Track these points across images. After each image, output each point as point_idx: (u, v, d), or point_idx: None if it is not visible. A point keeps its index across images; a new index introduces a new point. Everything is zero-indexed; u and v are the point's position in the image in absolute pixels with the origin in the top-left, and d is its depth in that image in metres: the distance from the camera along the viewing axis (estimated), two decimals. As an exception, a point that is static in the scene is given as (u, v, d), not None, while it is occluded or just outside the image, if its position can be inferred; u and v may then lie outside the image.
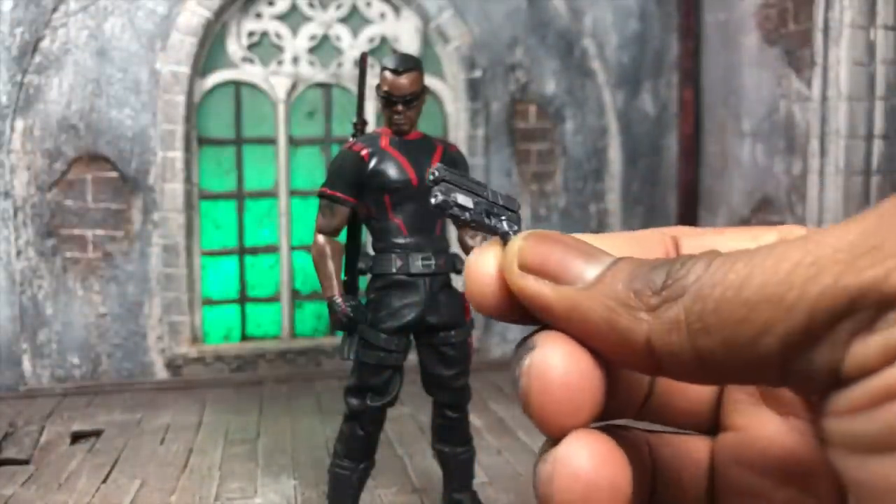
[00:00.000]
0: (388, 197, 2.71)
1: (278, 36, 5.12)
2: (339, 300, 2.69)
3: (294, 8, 5.12)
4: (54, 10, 4.61)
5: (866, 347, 0.18)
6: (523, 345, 0.23)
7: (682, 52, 5.29)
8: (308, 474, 3.55)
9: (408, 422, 4.07)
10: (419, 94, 2.71)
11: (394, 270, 2.71)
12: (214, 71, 5.01)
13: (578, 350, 0.22)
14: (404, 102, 2.67)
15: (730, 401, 0.27)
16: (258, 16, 5.07)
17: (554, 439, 0.22)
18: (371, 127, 3.92)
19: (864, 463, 0.18)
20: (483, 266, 0.24)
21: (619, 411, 0.26)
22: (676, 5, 5.28)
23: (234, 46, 5.05)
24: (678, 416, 0.27)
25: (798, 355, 0.19)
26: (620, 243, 0.25)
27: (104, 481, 3.49)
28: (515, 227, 0.27)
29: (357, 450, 2.80)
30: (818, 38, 4.10)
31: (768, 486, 0.25)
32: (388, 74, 2.67)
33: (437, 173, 0.25)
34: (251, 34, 5.08)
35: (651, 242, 0.26)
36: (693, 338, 0.20)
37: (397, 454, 3.73)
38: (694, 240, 0.26)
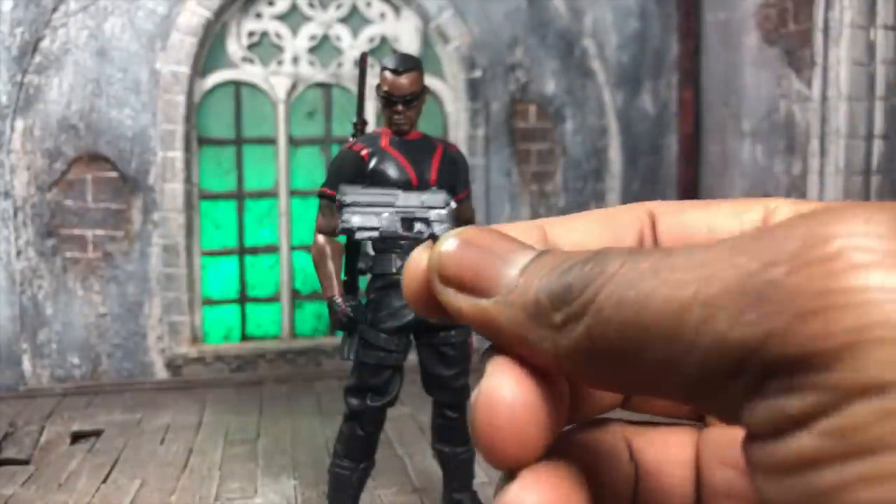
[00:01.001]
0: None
1: (278, 36, 5.12)
2: (339, 300, 2.69)
3: (294, 8, 5.12)
4: (54, 10, 4.61)
5: (756, 412, 0.16)
6: (481, 363, 0.22)
7: (682, 52, 5.29)
8: (308, 474, 3.55)
9: (408, 422, 4.07)
10: (419, 94, 2.71)
11: (394, 270, 2.71)
12: (214, 71, 5.01)
13: (527, 378, 0.20)
14: (404, 102, 2.67)
15: None
16: (258, 16, 5.07)
17: (507, 474, 0.21)
18: (371, 127, 3.92)
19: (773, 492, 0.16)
20: (414, 271, 0.23)
21: (602, 407, 0.25)
22: (676, 5, 5.28)
23: (234, 46, 5.05)
24: (663, 407, 0.26)
25: (700, 400, 0.17)
26: (591, 225, 0.24)
27: (104, 481, 3.49)
28: (445, 225, 0.26)
29: (357, 450, 2.80)
30: (818, 38, 4.10)
31: (749, 485, 0.24)
32: (388, 74, 2.67)
33: (339, 198, 0.23)
34: (251, 34, 5.08)
35: (624, 222, 0.25)
36: (598, 361, 0.18)
37: (397, 454, 3.73)
38: (673, 217, 0.25)
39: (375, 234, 2.62)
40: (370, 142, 2.73)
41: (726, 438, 0.24)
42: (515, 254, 0.21)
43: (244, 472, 3.61)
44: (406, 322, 2.72)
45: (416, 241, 2.62)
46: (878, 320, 0.15)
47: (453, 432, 2.90)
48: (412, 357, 2.90)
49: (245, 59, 5.08)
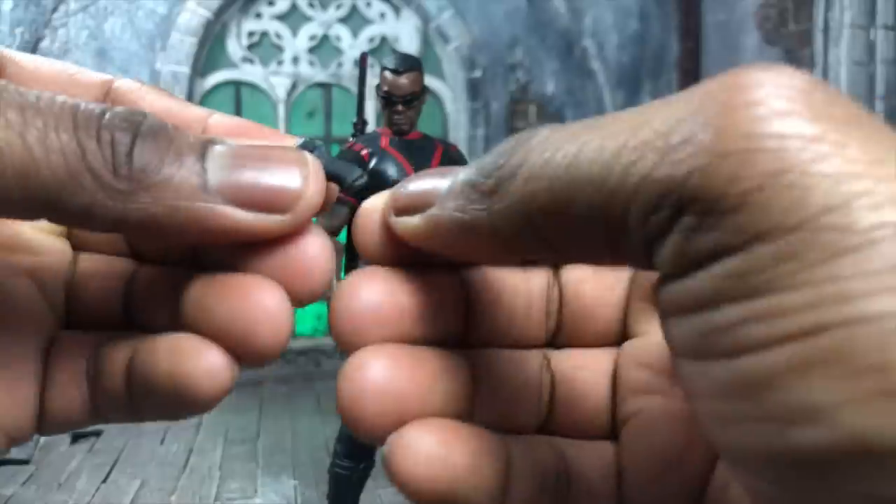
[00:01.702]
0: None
1: (278, 36, 5.12)
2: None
3: (294, 8, 5.12)
4: (54, 10, 4.61)
5: (666, 251, 0.17)
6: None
7: (682, 52, 5.29)
8: (308, 474, 3.55)
9: (408, 422, 4.07)
10: (419, 94, 2.70)
11: (394, 270, 2.71)
12: (214, 71, 5.01)
13: (389, 274, 0.24)
14: (404, 102, 2.67)
15: (633, 310, 0.27)
16: (258, 16, 5.07)
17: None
18: (371, 127, 3.93)
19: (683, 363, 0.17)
20: (369, 216, 0.25)
21: (531, 341, 0.27)
22: (676, 5, 5.28)
23: (234, 46, 5.05)
24: (591, 341, 0.27)
25: (621, 248, 0.18)
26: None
27: (104, 481, 3.49)
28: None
29: (357, 450, 2.80)
30: (818, 38, 4.11)
31: (664, 383, 0.25)
32: (388, 74, 2.67)
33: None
34: (251, 34, 5.08)
35: None
36: (530, 219, 0.19)
37: (397, 454, 3.73)
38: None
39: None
40: (370, 142, 2.73)
41: (645, 345, 0.26)
42: (456, 171, 0.22)
43: (244, 471, 3.61)
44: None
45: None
46: (790, 166, 0.15)
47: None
48: (412, 357, 2.90)
49: (245, 59, 5.08)
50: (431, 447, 0.23)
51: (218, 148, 0.23)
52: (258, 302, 0.23)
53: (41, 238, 0.27)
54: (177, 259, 0.27)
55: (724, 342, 0.16)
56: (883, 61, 4.00)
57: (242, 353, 0.24)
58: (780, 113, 0.15)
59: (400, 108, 2.68)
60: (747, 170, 0.15)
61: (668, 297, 0.17)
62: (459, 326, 0.26)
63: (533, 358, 0.27)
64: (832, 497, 0.15)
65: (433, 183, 0.23)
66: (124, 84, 0.28)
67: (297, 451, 3.83)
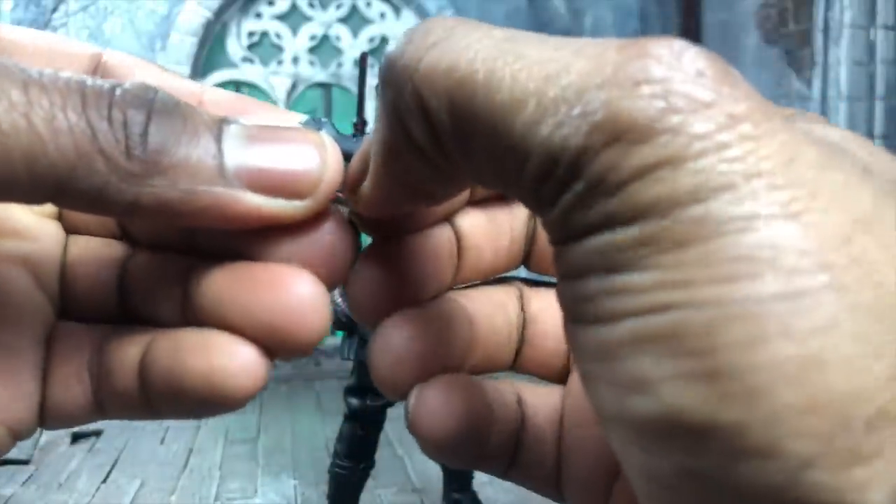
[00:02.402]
0: None
1: (278, 36, 5.12)
2: (339, 300, 2.69)
3: (294, 8, 5.12)
4: (54, 10, 4.61)
5: (552, 215, 0.17)
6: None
7: (682, 52, 5.29)
8: (308, 474, 3.55)
9: (408, 422, 4.07)
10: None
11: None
12: (214, 71, 5.01)
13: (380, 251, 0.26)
14: (404, 102, 2.67)
15: None
16: (258, 16, 5.07)
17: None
18: (371, 127, 3.92)
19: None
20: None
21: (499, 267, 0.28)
22: (676, 5, 5.27)
23: (234, 46, 5.05)
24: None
25: (514, 186, 0.18)
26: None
27: (104, 481, 3.49)
28: None
29: (357, 450, 2.80)
30: (818, 38, 4.10)
31: None
32: (388, 74, 2.67)
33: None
34: (251, 34, 5.08)
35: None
36: (429, 115, 0.19)
37: (397, 454, 3.73)
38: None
39: None
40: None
41: None
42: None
43: (244, 471, 3.61)
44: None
45: None
46: (670, 159, 0.16)
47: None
48: (412, 357, 2.90)
49: (245, 59, 5.08)
50: (439, 401, 0.25)
51: (233, 128, 0.22)
52: (295, 294, 0.22)
53: (32, 221, 0.26)
54: (174, 242, 0.26)
55: (588, 310, 0.17)
56: (883, 61, 3.99)
57: (279, 347, 0.23)
58: (673, 109, 0.16)
59: (400, 108, 2.68)
60: (629, 158, 0.16)
61: (556, 261, 0.18)
62: (451, 276, 0.27)
63: (511, 297, 0.28)
64: (662, 468, 0.16)
65: (364, 147, 0.23)
66: (114, 57, 0.27)
67: (297, 451, 3.83)
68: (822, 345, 0.14)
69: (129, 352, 0.24)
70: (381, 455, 2.98)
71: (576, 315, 0.18)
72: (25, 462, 3.69)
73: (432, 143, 0.19)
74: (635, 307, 0.16)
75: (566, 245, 0.17)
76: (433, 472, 3.31)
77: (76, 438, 4.00)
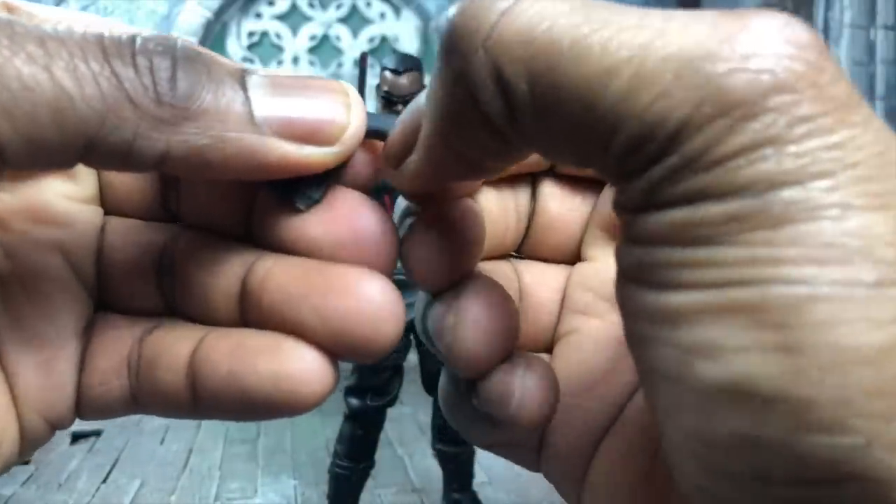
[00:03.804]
0: (387, 197, 2.70)
1: (278, 36, 5.12)
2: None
3: (294, 8, 5.12)
4: (54, 10, 4.62)
5: (639, 183, 0.17)
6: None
7: (682, 52, 5.29)
8: (308, 474, 3.55)
9: (408, 422, 4.07)
10: (419, 95, 2.71)
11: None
12: (214, 71, 5.02)
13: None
14: (404, 102, 2.67)
15: (590, 236, 0.28)
16: (258, 16, 5.07)
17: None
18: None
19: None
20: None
21: (507, 249, 0.29)
22: (676, 5, 5.28)
23: (234, 46, 5.05)
24: (549, 254, 0.29)
25: (598, 155, 0.18)
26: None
27: (104, 481, 3.49)
28: None
29: (357, 450, 2.80)
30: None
31: (604, 308, 0.27)
32: (388, 74, 2.67)
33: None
34: (251, 34, 5.08)
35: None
36: (504, 84, 0.18)
37: (397, 454, 3.73)
38: None
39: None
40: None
41: (593, 270, 0.28)
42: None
43: (244, 471, 3.61)
44: (406, 322, 2.72)
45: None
46: (771, 139, 0.16)
47: (453, 432, 2.90)
48: (412, 357, 2.90)
49: (245, 60, 5.08)
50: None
51: (255, 77, 0.22)
52: (370, 300, 0.22)
53: (67, 206, 0.25)
54: (222, 225, 0.25)
55: (660, 276, 0.17)
56: (883, 61, 4.00)
57: (349, 353, 0.23)
58: (780, 87, 0.16)
59: (400, 108, 2.68)
60: (734, 135, 0.16)
61: (628, 224, 0.18)
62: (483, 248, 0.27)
63: (510, 271, 0.29)
64: (719, 433, 0.16)
65: (410, 119, 0.23)
66: (14, 3, 0.24)
67: (297, 451, 3.83)
68: (887, 337, 0.15)
69: (177, 348, 0.23)
70: (381, 455, 2.98)
71: (642, 279, 0.18)
72: (25, 462, 3.69)
73: (506, 115, 0.18)
74: (718, 279, 0.16)
75: (643, 213, 0.17)
76: (433, 472, 3.31)
77: (76, 438, 4.00)
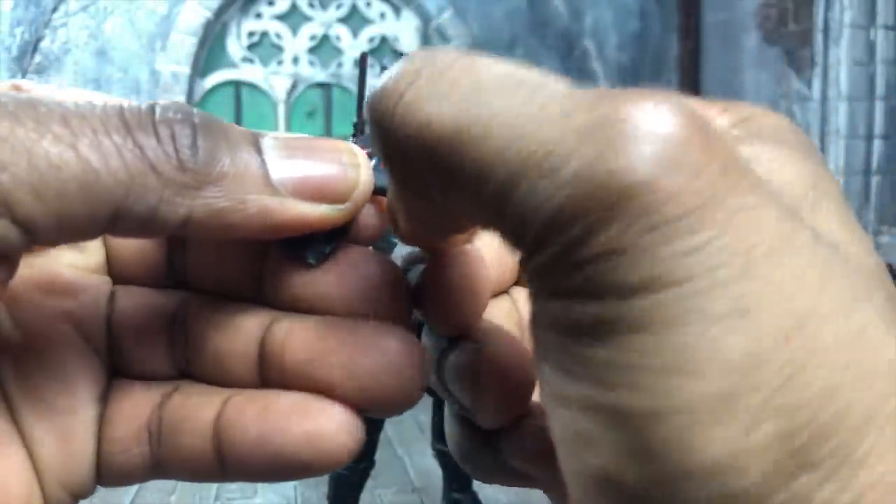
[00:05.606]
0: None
1: (278, 36, 5.12)
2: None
3: (294, 8, 5.12)
4: (54, 10, 4.61)
5: (537, 262, 0.17)
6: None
7: (682, 52, 5.29)
8: (308, 474, 3.55)
9: (408, 422, 4.07)
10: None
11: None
12: (214, 71, 5.01)
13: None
14: (404, 102, 2.67)
15: None
16: (258, 16, 5.07)
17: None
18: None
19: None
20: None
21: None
22: (676, 5, 5.28)
23: (234, 46, 5.05)
24: None
25: (494, 226, 0.18)
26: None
27: (104, 481, 3.49)
28: None
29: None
30: (818, 38, 4.11)
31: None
32: (388, 74, 2.67)
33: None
34: (251, 34, 5.08)
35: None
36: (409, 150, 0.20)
37: (397, 454, 3.73)
38: None
39: None
40: (370, 142, 2.73)
41: None
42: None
43: (244, 472, 3.61)
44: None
45: None
46: (633, 242, 0.16)
47: (453, 432, 2.90)
48: (412, 357, 2.90)
49: (245, 59, 5.09)
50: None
51: (267, 140, 0.22)
52: (396, 355, 0.23)
53: (79, 276, 0.25)
54: (234, 289, 0.25)
55: (552, 358, 0.17)
56: (883, 61, 4.00)
57: (375, 408, 0.23)
58: (636, 190, 0.15)
59: (400, 108, 2.68)
60: (592, 238, 0.16)
61: (529, 300, 0.18)
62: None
63: (507, 305, 0.29)
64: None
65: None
66: (24, 85, 0.26)
67: (297, 451, 3.84)
68: (733, 449, 0.15)
69: (200, 413, 0.23)
70: (381, 455, 2.99)
71: (540, 356, 0.18)
72: (25, 462, 3.69)
73: (422, 189, 0.19)
74: (593, 375, 0.16)
75: (534, 296, 0.18)
76: (433, 472, 3.31)
77: (76, 438, 4.01)
